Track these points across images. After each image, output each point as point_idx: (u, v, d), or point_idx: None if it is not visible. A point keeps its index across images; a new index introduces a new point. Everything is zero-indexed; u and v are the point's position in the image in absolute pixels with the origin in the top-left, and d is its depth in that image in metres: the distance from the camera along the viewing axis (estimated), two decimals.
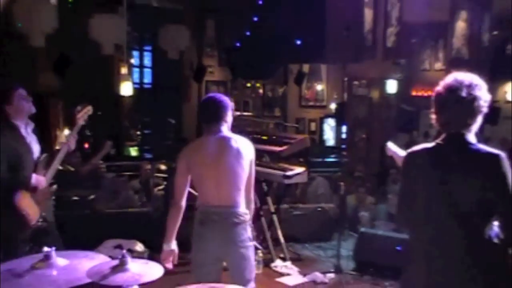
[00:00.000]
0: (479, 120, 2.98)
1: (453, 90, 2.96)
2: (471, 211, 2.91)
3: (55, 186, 5.50)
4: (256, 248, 7.05)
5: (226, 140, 4.32)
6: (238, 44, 10.64)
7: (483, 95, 2.95)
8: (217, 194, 4.30)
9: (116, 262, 3.05)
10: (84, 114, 5.42)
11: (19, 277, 2.99)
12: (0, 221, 3.89)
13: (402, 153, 3.68)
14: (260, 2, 9.87)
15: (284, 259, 7.37)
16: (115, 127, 10.84)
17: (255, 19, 9.99)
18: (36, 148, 5.24)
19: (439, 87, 3.03)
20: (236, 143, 4.32)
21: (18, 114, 5.07)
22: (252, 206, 4.57)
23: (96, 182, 8.21)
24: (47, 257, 3.12)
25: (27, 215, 5.03)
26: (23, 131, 5.09)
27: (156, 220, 7.62)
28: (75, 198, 7.63)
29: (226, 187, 4.29)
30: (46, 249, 3.15)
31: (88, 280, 2.97)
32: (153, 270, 3.05)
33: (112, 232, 6.79)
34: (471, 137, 2.98)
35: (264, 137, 7.76)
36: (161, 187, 8.68)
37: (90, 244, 3.48)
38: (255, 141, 7.54)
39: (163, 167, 9.19)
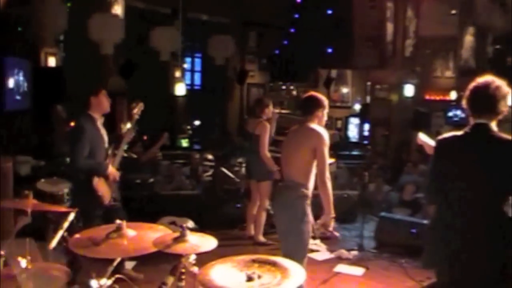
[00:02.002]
0: (501, 113, 3.13)
1: (483, 87, 3.14)
2: (493, 190, 3.05)
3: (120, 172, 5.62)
4: None
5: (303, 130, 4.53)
6: (277, 52, 10.64)
7: (506, 95, 3.13)
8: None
9: (177, 234, 3.08)
10: (138, 109, 5.52)
11: (96, 245, 3.03)
12: (81, 200, 3.96)
13: (431, 142, 3.65)
14: (297, 16, 9.86)
15: (314, 238, 7.34)
16: (170, 121, 10.94)
17: (292, 30, 9.99)
18: (105, 139, 5.35)
19: (473, 84, 3.19)
20: (305, 132, 4.51)
21: (98, 108, 5.21)
22: None
23: (154, 168, 8.30)
24: (119, 228, 3.16)
25: (102, 196, 5.15)
26: (98, 123, 5.21)
27: (204, 202, 7.68)
28: (138, 181, 7.72)
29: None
30: (118, 221, 3.19)
31: (153, 249, 2.99)
32: (208, 242, 3.07)
33: (168, 211, 6.83)
34: (494, 127, 3.12)
35: None
36: (208, 174, 8.73)
37: (149, 220, 3.52)
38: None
39: (210, 156, 9.23)
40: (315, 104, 4.62)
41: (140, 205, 6.71)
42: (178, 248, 2.96)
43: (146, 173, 7.96)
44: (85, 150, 5.04)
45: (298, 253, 4.24)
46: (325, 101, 4.68)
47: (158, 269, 5.15)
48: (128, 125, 5.90)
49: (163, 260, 4.52)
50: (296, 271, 2.80)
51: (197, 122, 11.78)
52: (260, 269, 2.79)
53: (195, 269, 3.03)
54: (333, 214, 4.51)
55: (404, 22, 11.48)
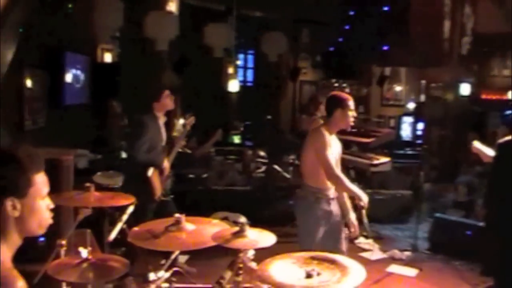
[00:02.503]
0: None
1: None
2: None
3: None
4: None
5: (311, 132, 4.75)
6: (331, 49, 10.55)
7: None
8: None
9: (236, 229, 3.09)
10: (190, 122, 5.68)
11: (156, 237, 3.06)
12: (135, 192, 4.02)
13: (487, 150, 3.55)
14: (352, 13, 9.76)
15: (366, 237, 7.29)
16: (223, 117, 10.98)
17: (347, 27, 9.89)
18: (164, 137, 5.54)
19: None
20: (311, 134, 4.67)
21: (161, 109, 5.43)
22: None
23: (207, 164, 8.35)
24: (178, 221, 3.18)
25: (155, 189, 5.28)
26: (160, 122, 5.40)
27: (256, 198, 7.70)
28: (191, 176, 7.81)
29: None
30: (177, 215, 3.22)
31: (212, 243, 3.00)
32: (267, 238, 3.06)
33: (220, 206, 6.87)
34: None
35: (354, 130, 7.70)
36: (260, 170, 8.73)
37: (202, 214, 3.53)
38: (345, 133, 7.52)
39: (262, 153, 9.22)
40: (333, 104, 4.59)
41: (193, 200, 6.76)
42: (237, 243, 2.96)
43: (199, 168, 8.04)
44: (145, 145, 5.23)
45: None
46: (346, 101, 4.58)
47: (210, 264, 5.19)
48: (181, 121, 6.05)
49: (215, 254, 4.58)
50: (356, 270, 2.77)
51: (249, 119, 11.77)
52: (319, 266, 2.77)
53: (253, 265, 3.03)
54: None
55: (462, 19, 11.21)
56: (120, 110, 8.79)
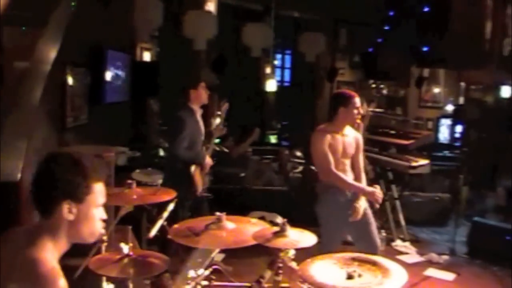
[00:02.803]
0: None
1: None
2: None
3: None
4: (380, 228, 6.97)
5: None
6: (370, 49, 10.45)
7: None
8: None
9: (277, 228, 3.08)
10: (224, 109, 5.74)
11: (196, 235, 3.08)
12: (177, 189, 4.05)
13: None
14: (391, 13, 9.64)
15: (403, 240, 7.24)
16: (259, 117, 11.00)
17: (387, 28, 9.78)
18: (203, 131, 5.55)
19: None
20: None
21: (197, 100, 5.47)
22: None
23: (244, 163, 8.37)
24: (219, 220, 3.19)
25: (197, 186, 5.34)
26: (197, 116, 5.42)
27: (292, 198, 7.68)
28: (230, 174, 7.84)
29: None
30: (218, 213, 3.23)
31: (253, 242, 3.00)
32: (307, 238, 3.05)
33: (257, 205, 6.88)
34: None
35: (392, 131, 7.66)
36: (297, 170, 8.71)
37: (239, 213, 3.54)
38: (383, 134, 7.49)
39: (298, 153, 9.20)
40: (337, 103, 4.74)
41: (231, 198, 6.79)
42: (278, 243, 2.96)
43: (237, 167, 8.07)
44: (185, 141, 5.28)
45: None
46: (349, 99, 4.70)
47: (245, 263, 5.21)
48: (218, 120, 6.09)
49: (250, 253, 4.59)
50: (398, 272, 2.74)
51: (285, 119, 11.75)
52: (360, 267, 2.76)
53: (293, 264, 3.02)
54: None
55: (503, 20, 10.98)
56: (158, 109, 8.88)
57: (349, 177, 4.81)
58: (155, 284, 5.16)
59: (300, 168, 8.69)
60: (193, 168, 5.44)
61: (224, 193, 6.77)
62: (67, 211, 2.00)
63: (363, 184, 4.91)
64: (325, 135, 4.72)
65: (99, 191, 2.08)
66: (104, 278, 3.34)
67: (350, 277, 2.68)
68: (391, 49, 9.66)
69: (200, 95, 5.55)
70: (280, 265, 3.03)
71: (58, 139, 5.24)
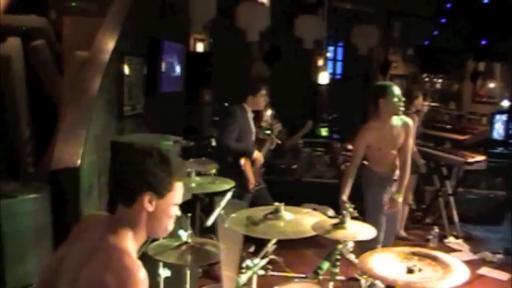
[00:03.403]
0: None
1: None
2: None
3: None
4: (432, 224, 6.88)
5: None
6: (425, 42, 10.26)
7: None
8: None
9: (336, 220, 3.07)
10: (276, 129, 5.84)
11: (255, 224, 3.09)
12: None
13: None
14: (448, 6, 9.43)
15: (456, 237, 7.11)
16: (311, 110, 10.94)
17: (443, 20, 9.57)
18: (253, 130, 5.61)
19: None
20: None
21: (253, 105, 5.63)
22: None
23: (296, 155, 8.36)
24: (277, 210, 3.20)
25: (248, 179, 5.36)
26: (249, 115, 5.47)
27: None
28: (282, 166, 7.84)
29: None
30: (276, 203, 3.24)
31: (312, 233, 3.00)
32: (367, 231, 3.03)
33: (308, 197, 6.85)
34: None
35: (448, 126, 7.52)
36: (347, 164, 8.63)
37: (290, 205, 3.55)
38: (438, 129, 7.36)
39: (350, 146, 9.11)
40: (376, 95, 4.81)
41: (283, 190, 6.76)
42: (338, 234, 2.95)
43: (289, 159, 8.07)
44: (235, 134, 5.30)
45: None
46: (387, 88, 4.79)
47: (296, 254, 5.21)
48: (269, 113, 6.13)
49: (301, 245, 4.60)
50: (459, 268, 2.70)
51: (337, 112, 11.65)
52: (420, 262, 2.74)
53: (351, 257, 3.01)
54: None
55: None
56: (211, 99, 8.94)
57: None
58: (207, 272, 5.24)
59: None
60: (242, 161, 5.48)
61: (276, 185, 6.77)
62: (148, 202, 2.06)
63: (406, 173, 5.11)
64: (368, 131, 4.86)
65: (179, 189, 2.15)
66: (161, 264, 3.39)
67: (410, 271, 2.66)
68: (446, 42, 9.47)
69: (258, 103, 5.67)
70: (338, 257, 3.01)
71: (116, 127, 5.34)
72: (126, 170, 2.08)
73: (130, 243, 2.03)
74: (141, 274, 1.91)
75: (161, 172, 2.05)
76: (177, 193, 2.13)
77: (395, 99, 4.74)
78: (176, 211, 2.17)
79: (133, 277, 1.89)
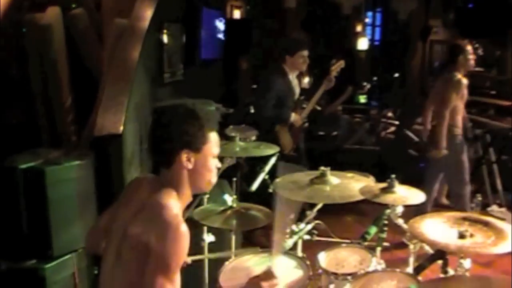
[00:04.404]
0: None
1: None
2: None
3: (306, 124, 5.71)
4: (475, 192, 6.73)
5: None
6: (468, 6, 9.94)
7: None
8: None
9: (384, 184, 2.99)
10: (337, 67, 5.56)
11: (301, 189, 3.04)
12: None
13: None
14: None
15: (500, 205, 6.94)
16: (350, 76, 10.77)
17: None
18: (297, 90, 5.47)
19: None
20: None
21: (292, 66, 5.44)
22: None
23: (335, 122, 8.26)
24: (323, 174, 3.14)
25: (282, 144, 5.30)
26: (290, 76, 5.36)
27: (384, 159, 7.52)
28: (321, 133, 7.76)
29: None
30: (322, 168, 3.17)
31: (360, 197, 2.93)
32: (416, 195, 2.95)
33: (348, 164, 6.74)
34: None
35: (492, 92, 7.30)
36: (388, 131, 8.51)
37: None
38: (482, 94, 7.14)
39: (389, 113, 8.98)
40: (455, 53, 5.24)
41: (323, 157, 6.70)
42: (387, 199, 2.87)
43: (328, 126, 7.98)
44: (271, 101, 5.23)
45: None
46: (465, 47, 5.26)
47: (335, 220, 5.16)
48: (306, 80, 6.00)
49: (341, 211, 4.55)
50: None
51: (376, 78, 11.46)
52: (471, 227, 2.65)
53: (400, 221, 2.93)
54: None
55: None
56: (250, 66, 8.87)
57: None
58: (248, 238, 5.24)
59: (392, 128, 8.47)
60: (277, 127, 5.41)
61: (316, 152, 6.69)
62: (186, 159, 2.06)
63: None
64: (460, 84, 5.27)
65: (214, 140, 2.13)
66: (205, 229, 3.38)
67: (461, 236, 2.58)
68: (490, 6, 9.16)
69: (296, 63, 5.47)
70: (386, 222, 2.94)
71: (156, 94, 5.32)
72: (157, 133, 2.07)
73: (174, 201, 2.04)
74: (182, 228, 1.91)
75: (192, 127, 2.04)
76: (213, 144, 2.12)
77: (470, 56, 5.25)
78: (216, 163, 2.17)
79: (173, 230, 1.90)
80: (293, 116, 5.53)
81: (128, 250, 2.01)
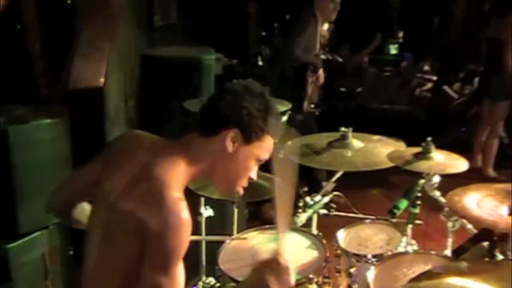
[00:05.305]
0: None
1: None
2: None
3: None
4: None
5: None
6: None
7: None
8: None
9: (418, 149, 2.92)
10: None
11: (317, 153, 2.98)
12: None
13: None
14: None
15: None
16: (379, 21, 10.60)
17: None
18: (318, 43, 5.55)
19: None
20: None
21: (320, 12, 5.64)
22: None
23: (361, 76, 8.17)
24: (344, 137, 3.07)
25: (310, 97, 5.37)
26: (319, 23, 5.67)
27: (418, 121, 7.46)
28: (343, 89, 7.69)
29: None
30: (343, 129, 3.10)
31: (388, 165, 2.86)
32: (458, 163, 2.87)
33: (375, 127, 6.67)
34: None
35: None
36: (425, 88, 8.39)
37: None
38: None
39: (426, 67, 8.82)
40: None
41: (344, 119, 6.65)
42: (421, 166, 2.79)
43: (351, 81, 7.89)
44: (303, 43, 5.47)
45: None
46: None
47: (357, 193, 5.11)
48: (326, 27, 6.03)
49: (363, 182, 4.46)
50: None
51: (410, 24, 11.26)
52: None
53: (436, 194, 2.87)
54: None
55: None
56: (258, 11, 8.76)
57: None
58: (254, 213, 5.21)
59: (429, 85, 8.35)
60: (308, 74, 5.47)
61: (336, 111, 6.64)
62: (231, 140, 2.01)
63: None
64: None
65: (268, 145, 2.09)
66: (202, 201, 3.32)
67: None
68: None
69: (325, 8, 5.62)
70: (419, 194, 2.87)
71: (144, 40, 5.25)
72: (220, 96, 2.04)
73: (178, 177, 1.96)
74: (183, 215, 1.84)
75: (258, 113, 2.00)
76: (265, 147, 2.08)
77: None
78: (254, 172, 2.12)
79: (174, 220, 1.83)
80: (321, 70, 5.65)
81: (118, 228, 1.94)
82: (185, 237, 1.86)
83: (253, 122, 2.00)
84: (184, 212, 1.85)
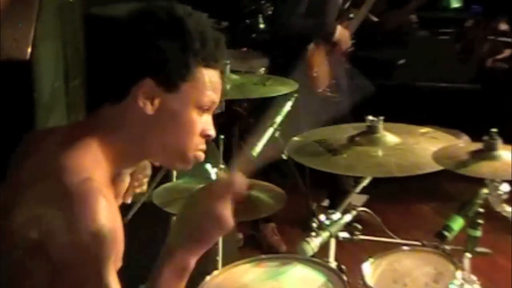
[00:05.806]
0: None
1: None
2: None
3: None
4: None
5: None
6: None
7: None
8: None
9: (478, 145, 2.92)
10: None
11: (334, 153, 3.02)
12: None
13: None
14: None
15: None
16: None
17: None
18: None
19: None
20: None
21: None
22: None
23: (405, 42, 8.20)
24: (372, 129, 3.10)
25: (316, 77, 5.30)
26: None
27: (487, 102, 7.47)
28: (378, 61, 7.72)
29: None
30: (370, 117, 3.12)
31: (434, 168, 2.87)
32: None
33: (423, 112, 6.74)
34: None
35: None
36: (499, 57, 8.38)
37: None
38: None
39: (504, 26, 8.82)
40: None
41: (380, 100, 6.68)
42: (482, 169, 2.80)
43: (391, 48, 7.92)
44: (300, 6, 5.36)
45: None
46: None
47: (402, 209, 5.16)
48: None
49: (410, 194, 4.51)
50: None
51: None
52: None
53: (506, 209, 2.88)
54: None
55: None
56: None
57: None
58: (253, 238, 5.28)
59: (507, 52, 8.32)
60: (311, 47, 5.42)
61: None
62: (144, 96, 1.96)
63: None
64: None
65: (208, 80, 2.03)
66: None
67: None
68: None
69: None
70: (481, 210, 2.87)
71: None
72: (114, 43, 2.04)
73: (88, 159, 1.92)
74: (92, 201, 1.79)
75: (170, 44, 1.95)
76: (205, 85, 2.02)
77: None
78: (207, 124, 2.08)
79: (81, 206, 1.79)
80: (340, 30, 5.56)
81: (12, 250, 1.88)
82: (105, 234, 1.78)
83: (169, 61, 1.95)
84: (94, 197, 1.79)
